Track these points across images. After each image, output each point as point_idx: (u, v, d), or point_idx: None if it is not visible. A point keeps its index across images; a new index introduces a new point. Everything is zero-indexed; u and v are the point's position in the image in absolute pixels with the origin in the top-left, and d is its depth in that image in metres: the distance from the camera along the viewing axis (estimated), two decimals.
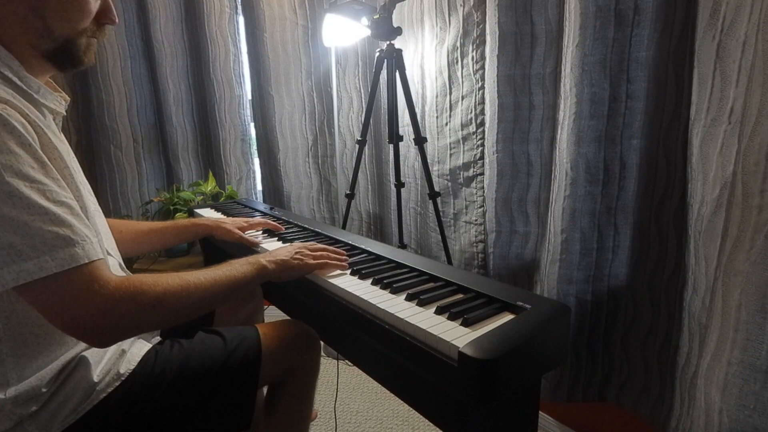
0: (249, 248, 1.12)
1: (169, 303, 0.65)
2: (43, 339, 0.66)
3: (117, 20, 0.75)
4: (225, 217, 1.39)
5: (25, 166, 0.56)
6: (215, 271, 0.75)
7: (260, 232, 1.24)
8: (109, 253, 0.79)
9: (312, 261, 0.90)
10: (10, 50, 0.64)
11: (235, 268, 0.79)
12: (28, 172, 0.56)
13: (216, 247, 1.34)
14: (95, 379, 0.71)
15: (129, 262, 1.13)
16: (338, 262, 0.92)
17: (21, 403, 0.64)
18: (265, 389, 0.99)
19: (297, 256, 0.89)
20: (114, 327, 0.61)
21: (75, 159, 0.78)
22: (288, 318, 1.03)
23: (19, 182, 0.55)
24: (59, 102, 0.73)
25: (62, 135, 0.77)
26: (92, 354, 0.72)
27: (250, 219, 1.27)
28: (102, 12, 0.72)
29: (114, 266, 0.80)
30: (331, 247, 0.97)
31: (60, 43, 0.68)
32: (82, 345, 0.72)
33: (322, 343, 1.00)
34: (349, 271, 0.90)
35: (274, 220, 1.32)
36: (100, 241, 0.70)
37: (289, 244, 0.99)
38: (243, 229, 1.20)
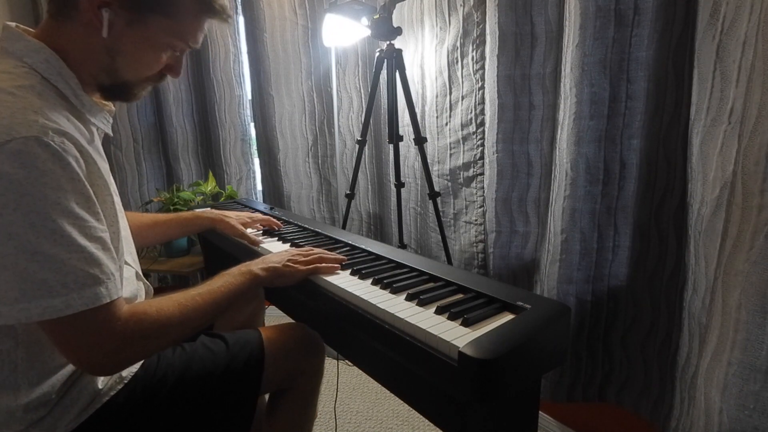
0: (249, 246, 1.12)
1: (173, 332, 0.67)
2: None
3: (180, 74, 0.77)
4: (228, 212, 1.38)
5: (71, 202, 0.57)
6: (210, 288, 0.75)
7: (261, 231, 1.24)
8: (128, 263, 0.79)
9: (302, 268, 0.87)
10: (72, 69, 0.66)
11: (228, 280, 0.78)
12: (72, 208, 0.58)
13: (216, 247, 1.34)
14: (99, 385, 0.72)
15: None
16: (330, 266, 0.90)
17: (32, 409, 0.64)
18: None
19: (288, 263, 0.87)
20: (122, 360, 0.64)
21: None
22: (292, 321, 1.03)
23: (64, 220, 0.56)
24: (106, 121, 0.75)
25: (101, 149, 0.78)
26: None
27: (253, 215, 1.26)
28: (170, 66, 0.74)
29: (131, 277, 0.80)
30: (327, 252, 0.95)
31: (118, 83, 0.71)
32: None
33: None
34: (349, 271, 0.90)
35: None
36: (121, 265, 0.70)
37: (284, 250, 0.97)
38: (246, 225, 1.20)
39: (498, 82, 1.23)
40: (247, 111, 2.11)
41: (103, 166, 0.68)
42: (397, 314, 0.70)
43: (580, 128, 1.04)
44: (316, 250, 0.95)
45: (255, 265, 0.84)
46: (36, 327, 0.63)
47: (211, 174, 2.02)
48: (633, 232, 1.05)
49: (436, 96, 1.49)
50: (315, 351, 0.96)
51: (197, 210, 1.29)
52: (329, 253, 0.95)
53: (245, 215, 1.24)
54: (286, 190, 2.09)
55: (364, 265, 0.93)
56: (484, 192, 1.40)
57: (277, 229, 1.23)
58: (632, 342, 1.10)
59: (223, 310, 0.76)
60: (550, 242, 1.17)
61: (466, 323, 0.67)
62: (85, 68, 0.68)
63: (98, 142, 0.73)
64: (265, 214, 1.45)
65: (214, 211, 1.24)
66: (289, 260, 0.88)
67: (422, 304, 0.74)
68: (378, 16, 1.35)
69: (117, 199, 0.77)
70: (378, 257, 0.98)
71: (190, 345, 0.85)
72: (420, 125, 1.46)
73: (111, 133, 0.77)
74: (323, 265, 0.90)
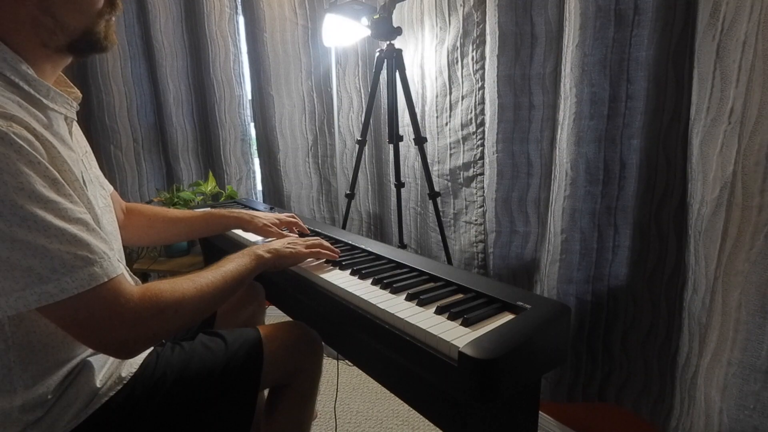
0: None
1: (189, 307, 0.67)
2: (50, 346, 0.66)
3: None
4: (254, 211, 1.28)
5: (37, 185, 0.54)
6: (220, 269, 0.76)
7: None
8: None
9: (304, 249, 0.92)
10: (18, 51, 0.61)
11: (237, 262, 0.80)
12: (40, 191, 0.54)
13: (216, 247, 1.34)
14: (98, 384, 0.71)
15: (128, 263, 1.11)
16: (330, 253, 0.95)
17: (28, 410, 0.64)
18: (266, 391, 0.98)
19: (289, 245, 0.92)
20: (142, 338, 0.63)
21: (90, 155, 0.77)
22: (291, 320, 1.03)
23: (33, 204, 0.53)
24: (69, 105, 0.70)
25: (78, 132, 0.75)
26: (96, 358, 0.72)
27: (280, 216, 1.19)
28: None
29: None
30: (324, 240, 0.99)
31: (76, 35, 0.65)
32: (89, 350, 0.71)
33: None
34: (349, 271, 0.90)
35: None
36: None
37: (284, 238, 1.02)
38: (276, 226, 1.14)
39: (498, 82, 1.23)
40: (247, 111, 2.11)
41: (68, 153, 0.64)
42: (397, 314, 0.70)
43: (580, 128, 1.04)
44: (313, 237, 1.00)
45: (259, 249, 0.87)
46: (26, 328, 0.62)
47: (211, 174, 2.02)
48: (633, 232, 1.05)
49: (436, 96, 1.49)
50: (313, 349, 0.96)
51: (223, 210, 1.20)
52: (327, 243, 0.99)
53: (273, 216, 1.17)
54: (286, 190, 2.09)
55: (364, 265, 0.93)
56: (484, 192, 1.40)
57: (302, 233, 1.18)
58: (632, 342, 1.10)
59: (232, 290, 0.77)
60: (550, 242, 1.17)
61: (466, 323, 0.67)
62: (32, 42, 0.62)
63: (60, 128, 0.67)
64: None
65: (242, 211, 1.18)
66: (289, 243, 0.93)
67: (422, 304, 0.74)
68: (378, 16, 1.35)
69: (97, 191, 0.75)
70: (378, 257, 0.98)
71: (189, 344, 0.86)
72: (420, 125, 1.46)
73: (75, 118, 0.72)
74: (324, 251, 0.95)
